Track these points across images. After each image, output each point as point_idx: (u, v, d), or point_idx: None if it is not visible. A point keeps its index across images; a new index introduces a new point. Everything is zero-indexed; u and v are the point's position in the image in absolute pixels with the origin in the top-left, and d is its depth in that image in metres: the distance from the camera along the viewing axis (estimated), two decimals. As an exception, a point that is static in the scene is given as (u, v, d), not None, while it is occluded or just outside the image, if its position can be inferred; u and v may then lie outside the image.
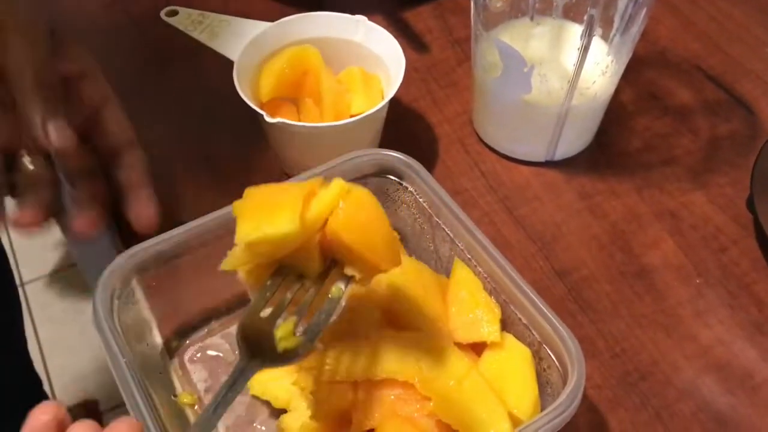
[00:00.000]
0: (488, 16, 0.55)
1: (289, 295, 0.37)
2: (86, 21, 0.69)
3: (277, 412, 0.44)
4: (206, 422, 0.34)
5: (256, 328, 0.36)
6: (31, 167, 0.45)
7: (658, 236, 0.54)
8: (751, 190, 0.52)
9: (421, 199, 0.47)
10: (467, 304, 0.44)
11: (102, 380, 1.30)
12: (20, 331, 0.94)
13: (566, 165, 0.58)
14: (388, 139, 0.56)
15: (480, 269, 0.44)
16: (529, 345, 0.42)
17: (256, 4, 0.70)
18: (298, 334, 0.36)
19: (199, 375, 0.47)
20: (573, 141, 0.57)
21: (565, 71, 0.53)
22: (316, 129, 0.51)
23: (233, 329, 0.49)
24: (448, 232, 0.46)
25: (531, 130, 0.56)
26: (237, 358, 0.36)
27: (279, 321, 0.37)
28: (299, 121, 0.53)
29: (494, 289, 0.44)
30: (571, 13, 0.55)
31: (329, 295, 0.37)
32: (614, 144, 0.60)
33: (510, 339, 0.43)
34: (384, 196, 0.49)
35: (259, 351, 0.36)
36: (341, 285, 0.38)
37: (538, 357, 0.42)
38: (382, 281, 0.44)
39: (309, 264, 0.37)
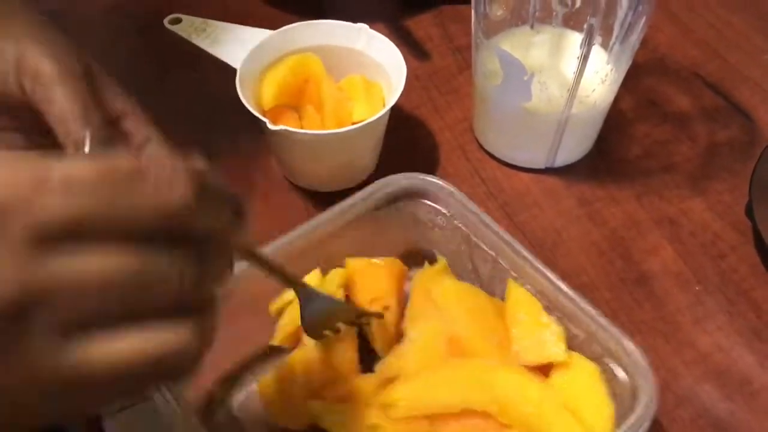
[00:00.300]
0: (489, 25, 0.55)
1: None
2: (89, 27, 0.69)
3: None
4: None
5: None
6: None
7: (658, 243, 0.54)
8: (749, 197, 0.53)
9: (456, 221, 0.47)
10: (529, 325, 0.43)
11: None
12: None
13: (566, 172, 0.58)
14: (389, 147, 0.57)
15: (529, 287, 0.44)
16: (591, 359, 0.42)
17: (259, 12, 0.70)
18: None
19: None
20: (573, 148, 0.58)
21: (565, 79, 0.53)
22: (317, 136, 0.51)
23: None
24: (490, 251, 0.45)
25: (531, 137, 0.56)
26: None
27: None
28: (301, 128, 0.54)
29: (547, 307, 0.43)
30: (571, 22, 0.55)
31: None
32: (614, 151, 0.60)
33: (576, 356, 0.42)
34: (415, 220, 0.49)
35: None
36: None
37: (601, 370, 0.41)
38: (442, 310, 0.44)
39: None
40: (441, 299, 0.45)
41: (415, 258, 0.50)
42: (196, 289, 0.24)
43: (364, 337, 0.45)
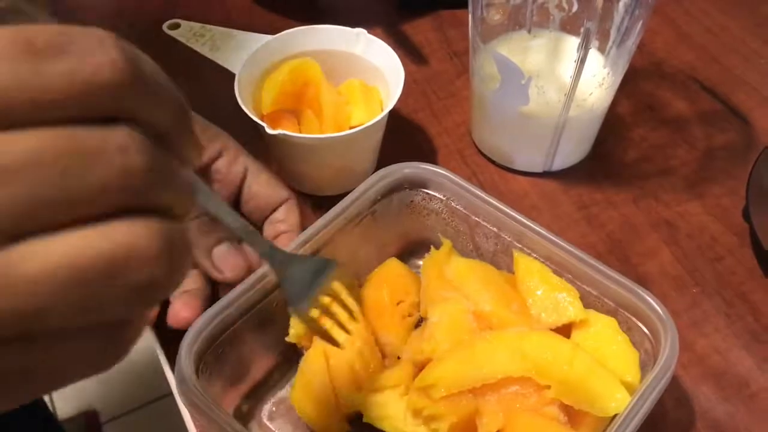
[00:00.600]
0: (486, 29, 0.55)
1: None
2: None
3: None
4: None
5: None
6: None
7: (655, 246, 0.54)
8: (746, 200, 0.53)
9: (453, 203, 0.48)
10: (543, 291, 0.44)
11: (102, 391, 1.30)
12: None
13: (564, 175, 0.59)
14: (387, 151, 0.57)
15: (535, 255, 0.45)
16: (608, 314, 0.43)
17: (258, 18, 0.70)
18: None
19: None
20: (570, 152, 0.58)
21: (563, 83, 0.53)
22: (316, 140, 0.52)
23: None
24: (491, 227, 0.46)
25: (529, 141, 0.57)
26: None
27: None
28: (300, 132, 0.54)
29: (556, 270, 0.44)
30: (567, 26, 0.56)
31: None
32: (611, 155, 0.60)
33: (593, 314, 0.43)
34: (409, 209, 0.49)
35: None
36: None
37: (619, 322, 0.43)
38: (460, 288, 0.45)
39: None
40: (456, 278, 0.46)
41: (418, 247, 0.51)
42: (147, 181, 0.20)
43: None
